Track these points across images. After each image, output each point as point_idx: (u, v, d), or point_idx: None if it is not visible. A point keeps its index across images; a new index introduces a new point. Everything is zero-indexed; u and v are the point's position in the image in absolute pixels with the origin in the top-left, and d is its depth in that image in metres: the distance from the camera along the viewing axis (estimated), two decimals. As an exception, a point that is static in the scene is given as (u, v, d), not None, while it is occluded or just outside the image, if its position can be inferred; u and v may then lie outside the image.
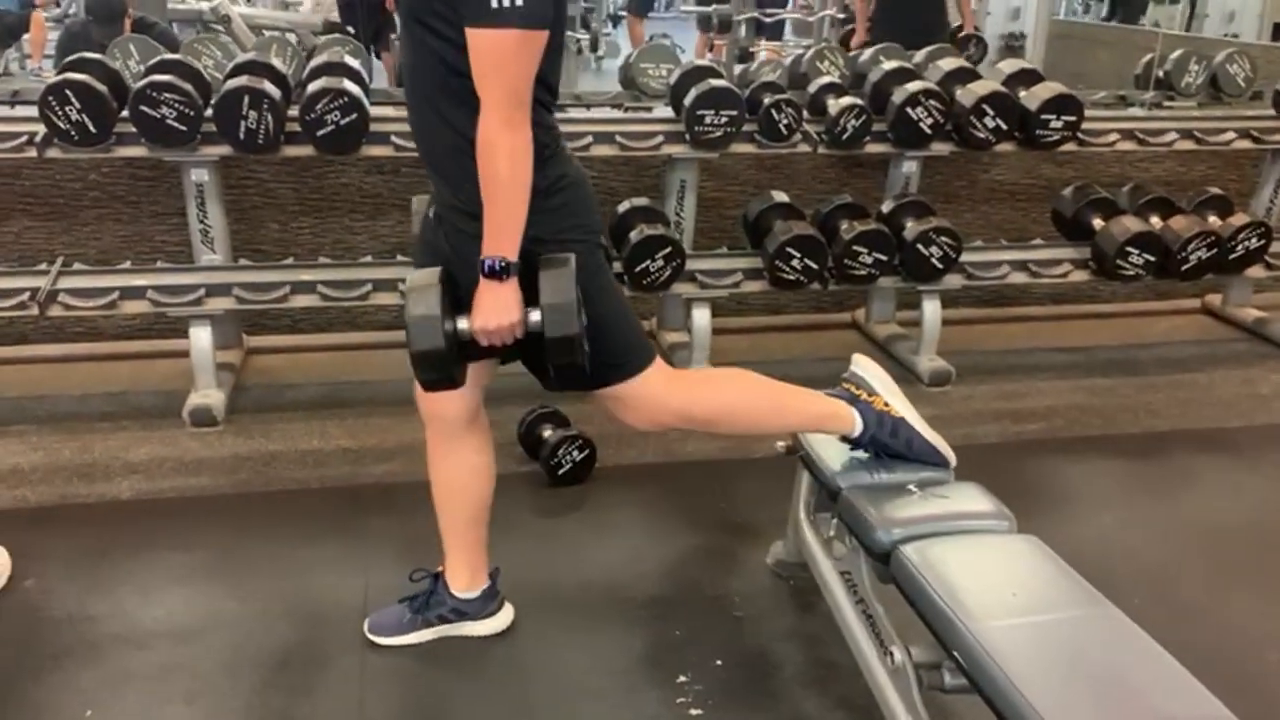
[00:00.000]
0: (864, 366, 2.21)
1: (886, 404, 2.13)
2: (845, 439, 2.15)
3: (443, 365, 1.77)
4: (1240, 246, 3.72)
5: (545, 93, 1.83)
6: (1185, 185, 4.24)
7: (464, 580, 2.26)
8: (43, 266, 3.25)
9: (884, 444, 2.12)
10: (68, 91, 2.97)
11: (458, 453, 2.16)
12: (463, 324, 1.79)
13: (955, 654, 1.59)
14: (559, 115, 2.03)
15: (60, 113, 2.98)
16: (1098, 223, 3.73)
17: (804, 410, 2.14)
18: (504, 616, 2.32)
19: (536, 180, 1.78)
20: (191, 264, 3.37)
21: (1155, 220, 3.74)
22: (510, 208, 1.74)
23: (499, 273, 1.75)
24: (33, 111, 3.04)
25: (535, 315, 1.76)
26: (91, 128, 3.02)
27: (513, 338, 1.80)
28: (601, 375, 1.96)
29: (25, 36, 8.90)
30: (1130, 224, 3.62)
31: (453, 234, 1.88)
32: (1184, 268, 3.65)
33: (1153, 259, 3.61)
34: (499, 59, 1.68)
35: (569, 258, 1.79)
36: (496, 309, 1.77)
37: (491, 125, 1.69)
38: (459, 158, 1.77)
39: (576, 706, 2.12)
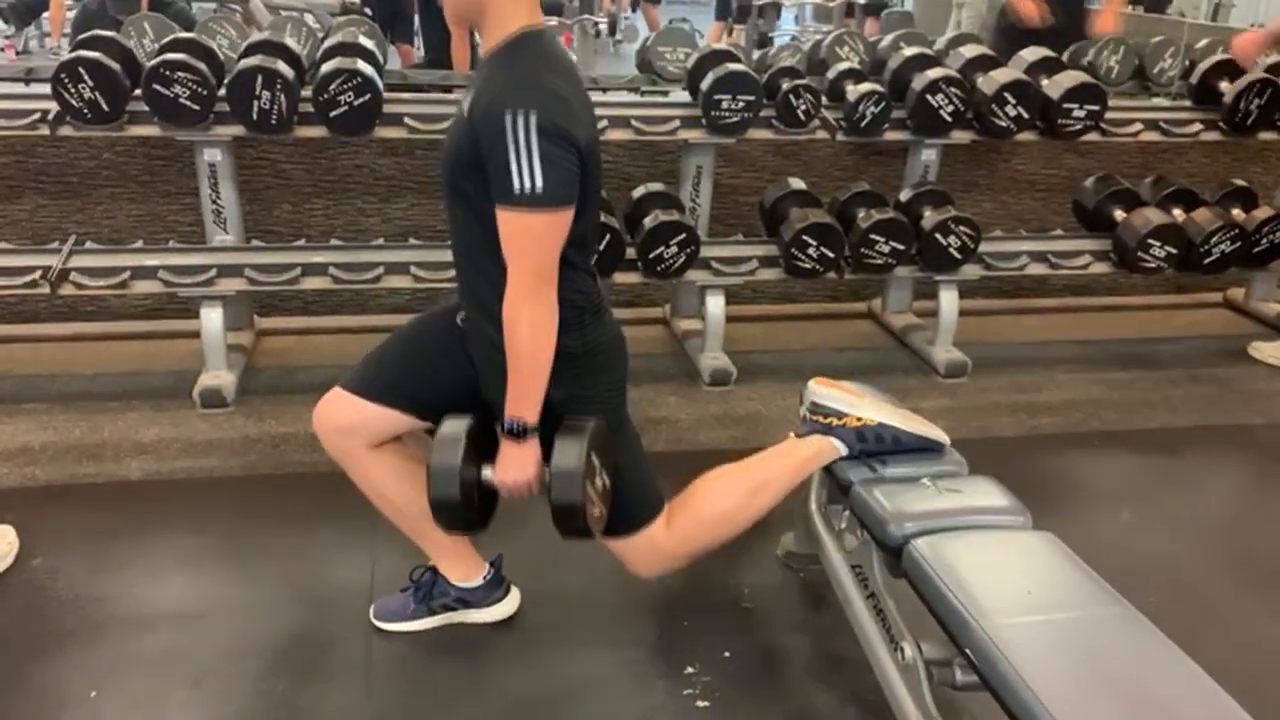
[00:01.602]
0: (821, 393, 2.19)
1: (858, 419, 2.13)
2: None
3: (458, 512, 1.88)
4: (1264, 240, 3.67)
5: (578, 253, 1.87)
6: (1210, 177, 4.18)
7: (458, 573, 2.24)
8: (55, 245, 3.24)
9: (874, 452, 2.13)
10: (81, 69, 2.95)
11: (373, 469, 2.08)
12: (486, 473, 1.89)
13: (967, 651, 1.56)
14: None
15: (73, 90, 2.96)
16: (1119, 214, 3.68)
17: (788, 470, 2.16)
18: (509, 603, 2.30)
19: (575, 343, 1.87)
20: (203, 244, 3.35)
21: (1178, 212, 3.69)
22: (531, 376, 1.81)
23: (518, 434, 1.83)
24: (47, 89, 3.02)
25: (549, 475, 1.85)
26: (104, 106, 3.00)
27: (530, 493, 1.89)
28: (607, 527, 2.02)
29: (45, 15, 8.92)
30: (1152, 216, 3.57)
31: (483, 357, 1.93)
32: (1206, 261, 3.60)
33: (1175, 251, 3.56)
34: (522, 238, 1.73)
35: (588, 425, 1.86)
36: (516, 466, 1.86)
37: (516, 297, 1.75)
38: (495, 304, 1.80)
39: (583, 696, 2.10)
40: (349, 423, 2.05)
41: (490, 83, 1.74)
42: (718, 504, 2.14)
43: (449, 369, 2.01)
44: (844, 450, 2.12)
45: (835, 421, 2.14)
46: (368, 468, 2.08)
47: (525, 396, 1.82)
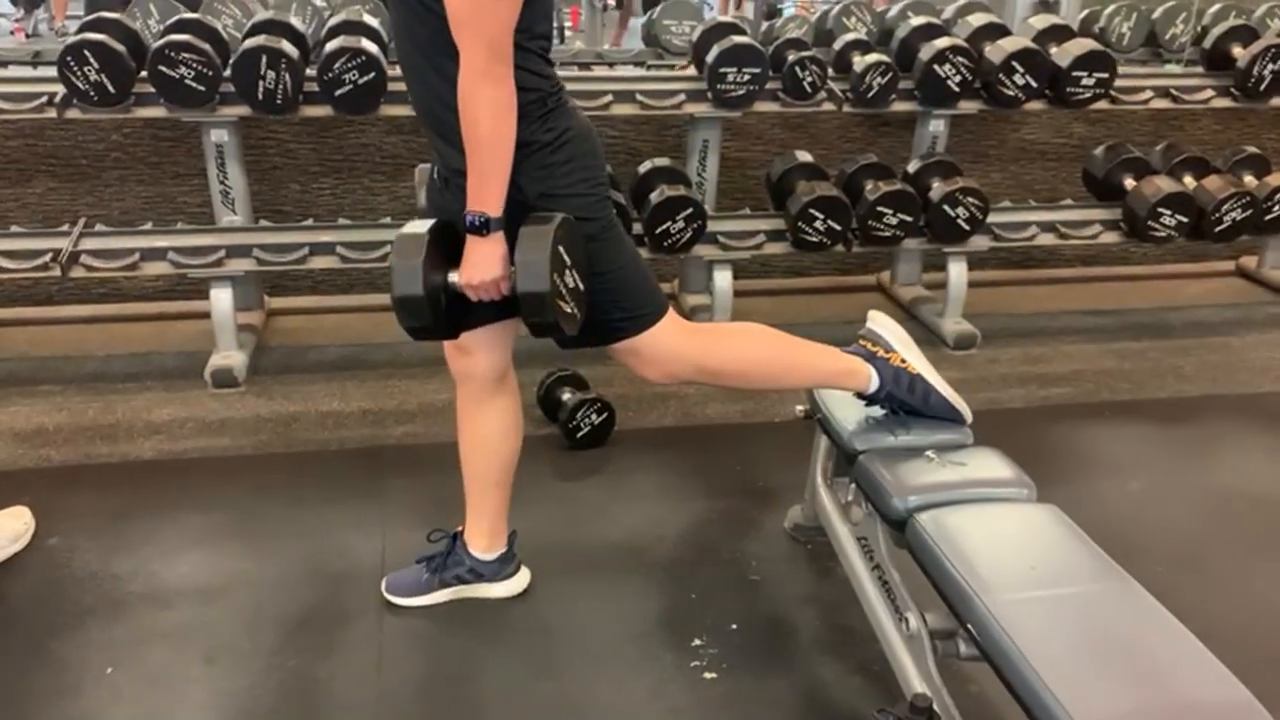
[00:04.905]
0: (880, 323, 2.19)
1: (903, 360, 2.11)
2: (861, 395, 2.14)
3: (421, 312, 1.79)
4: (1277, 207, 3.63)
5: (538, 41, 1.78)
6: (1222, 144, 4.14)
7: (483, 542, 2.27)
8: (65, 228, 3.26)
9: (901, 400, 2.10)
10: (86, 51, 2.96)
11: (485, 414, 2.16)
12: (453, 277, 1.81)
13: (969, 626, 1.57)
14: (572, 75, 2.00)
15: (79, 73, 2.97)
16: (1129, 183, 3.65)
17: (819, 366, 2.12)
18: (521, 579, 2.33)
19: (541, 134, 1.78)
20: (212, 225, 3.37)
21: (1189, 180, 3.65)
22: (492, 163, 1.72)
23: (480, 228, 1.75)
24: (54, 72, 3.03)
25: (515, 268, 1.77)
26: (110, 88, 3.01)
27: (498, 293, 1.81)
28: (614, 329, 1.96)
29: (52, -3, 8.94)
30: (1163, 184, 3.54)
31: (460, 195, 1.81)
32: (1218, 229, 3.57)
33: (1186, 220, 3.53)
34: (471, 10, 1.63)
35: (554, 217, 1.77)
36: (481, 264, 1.77)
37: (470, 79, 1.66)
38: (458, 115, 1.72)
39: (592, 669, 2.12)
40: (455, 349, 2.07)
41: None
42: (748, 348, 2.10)
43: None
44: (876, 383, 2.08)
45: (881, 353, 2.12)
46: (484, 413, 2.14)
47: (485, 186, 1.73)
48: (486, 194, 1.73)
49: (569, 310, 1.80)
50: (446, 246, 1.82)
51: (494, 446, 2.19)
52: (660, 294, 2.02)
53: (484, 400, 2.15)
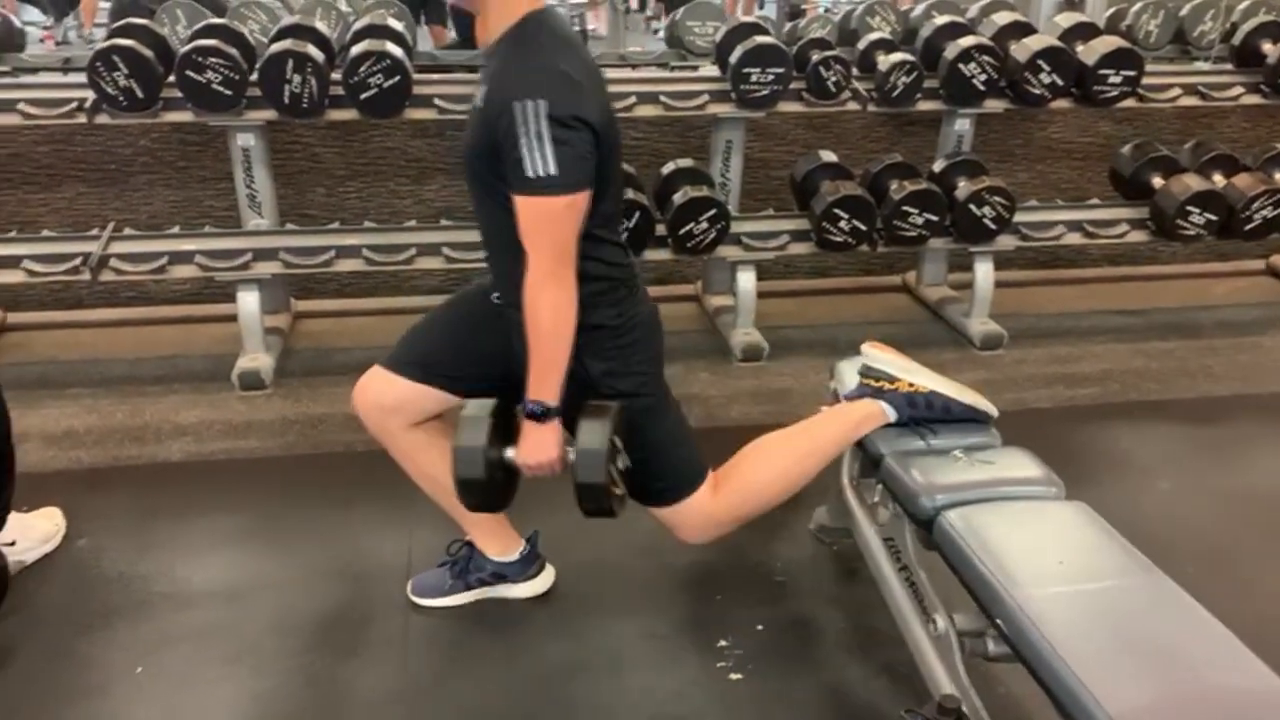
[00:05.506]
0: (875, 357, 2.18)
1: (911, 384, 2.11)
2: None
3: (483, 492, 1.93)
4: (1309, 205, 3.59)
5: (606, 230, 1.90)
6: (1252, 142, 4.09)
7: (495, 547, 2.27)
8: (94, 232, 3.30)
9: (922, 419, 2.10)
10: (115, 57, 2.99)
11: (416, 447, 2.12)
12: (509, 453, 1.91)
13: (998, 622, 1.55)
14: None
15: (108, 78, 3.00)
16: (1157, 181, 3.62)
17: (837, 433, 2.16)
18: (545, 579, 2.32)
19: (611, 320, 1.91)
20: (239, 229, 3.39)
21: (1218, 178, 3.62)
22: (552, 357, 1.82)
23: (539, 416, 1.85)
24: (84, 78, 3.06)
25: (573, 455, 1.86)
26: (139, 93, 3.04)
27: (554, 473, 1.90)
28: (655, 496, 2.07)
29: (82, 4, 9.04)
30: (1191, 182, 3.51)
31: (519, 333, 1.87)
32: (1248, 227, 3.53)
33: (1215, 218, 3.49)
34: (539, 223, 1.75)
35: (610, 407, 1.88)
36: (538, 447, 1.87)
37: (536, 280, 1.77)
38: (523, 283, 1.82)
39: (617, 669, 2.12)
40: (391, 402, 2.08)
41: (501, 73, 1.77)
42: (766, 471, 2.14)
43: (486, 345, 2.03)
44: (893, 415, 2.09)
45: (887, 385, 2.12)
46: (410, 446, 2.11)
47: (545, 379, 1.83)
48: (546, 385, 1.83)
49: (619, 493, 1.92)
50: (502, 423, 1.91)
51: (433, 472, 2.11)
52: (699, 465, 2.10)
53: (410, 432, 2.10)
